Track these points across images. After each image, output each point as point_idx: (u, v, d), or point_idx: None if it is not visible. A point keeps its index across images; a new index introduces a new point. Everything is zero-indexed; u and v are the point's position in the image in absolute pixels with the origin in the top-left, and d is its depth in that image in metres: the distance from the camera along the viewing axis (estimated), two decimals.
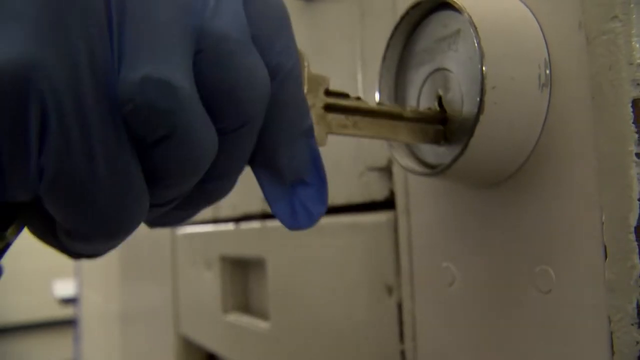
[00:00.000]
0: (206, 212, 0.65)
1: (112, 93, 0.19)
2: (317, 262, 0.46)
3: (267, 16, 0.23)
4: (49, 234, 0.22)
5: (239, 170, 0.24)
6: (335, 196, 0.44)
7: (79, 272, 1.93)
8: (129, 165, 0.20)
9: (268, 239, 0.53)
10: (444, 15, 0.30)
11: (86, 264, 1.75)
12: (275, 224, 0.51)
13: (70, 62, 0.18)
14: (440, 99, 0.30)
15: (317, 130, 0.27)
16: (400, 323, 0.38)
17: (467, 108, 0.28)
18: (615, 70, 0.25)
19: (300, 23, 0.50)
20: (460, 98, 0.29)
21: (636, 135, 0.24)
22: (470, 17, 0.27)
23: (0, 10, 0.18)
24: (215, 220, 0.64)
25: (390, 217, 0.39)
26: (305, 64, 0.27)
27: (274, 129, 0.24)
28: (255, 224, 0.56)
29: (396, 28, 0.32)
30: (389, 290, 0.39)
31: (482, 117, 0.27)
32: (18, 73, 0.17)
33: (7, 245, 0.21)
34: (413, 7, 0.31)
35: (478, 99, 0.27)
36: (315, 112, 0.27)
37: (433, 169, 0.30)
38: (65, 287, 2.77)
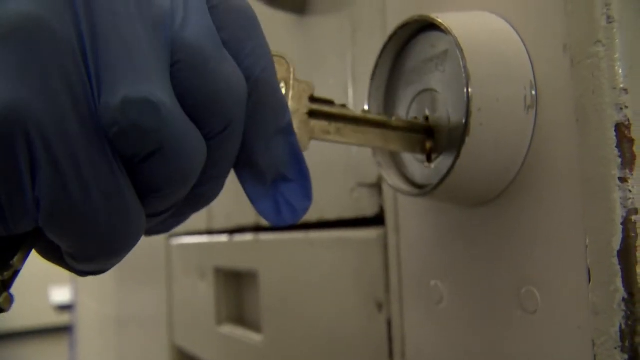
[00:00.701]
0: (200, 223, 0.65)
1: (97, 119, 0.19)
2: (309, 276, 0.46)
3: (235, 20, 0.24)
4: (56, 257, 0.22)
5: (226, 172, 0.25)
6: (327, 211, 0.44)
7: (75, 279, 1.93)
8: (122, 187, 0.20)
9: (260, 251, 0.53)
10: (432, 36, 0.30)
11: None
12: (268, 236, 0.52)
13: (51, 98, 0.18)
14: (427, 119, 0.30)
15: (300, 135, 0.27)
16: (390, 339, 0.38)
17: (453, 129, 0.29)
18: (598, 94, 0.25)
19: (292, 37, 0.50)
20: (447, 118, 0.29)
21: (619, 160, 0.24)
22: (457, 38, 0.28)
23: None
24: (209, 232, 0.65)
25: (380, 233, 0.39)
26: (291, 69, 0.27)
27: (250, 127, 0.24)
28: (248, 237, 0.56)
29: (385, 47, 0.32)
30: (379, 307, 0.39)
31: (467, 139, 0.27)
32: (2, 116, 0.18)
33: (16, 273, 0.21)
34: (401, 27, 0.31)
35: (464, 120, 0.27)
36: (298, 118, 0.27)
37: (421, 189, 0.30)
38: (61, 294, 2.76)
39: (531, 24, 0.28)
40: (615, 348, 0.24)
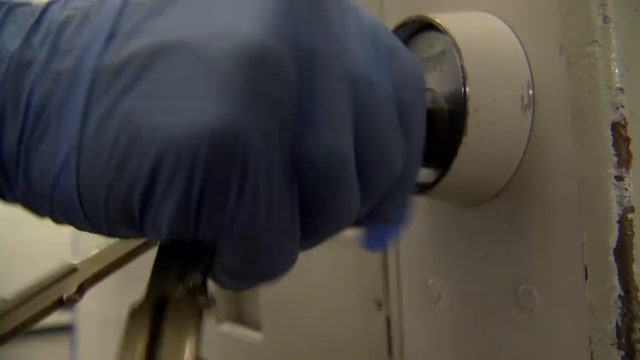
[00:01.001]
0: None
1: (292, 159, 0.21)
2: (308, 275, 0.46)
3: (408, 84, 0.24)
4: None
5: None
6: None
7: None
8: (296, 218, 0.22)
9: None
10: (430, 36, 0.31)
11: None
12: None
13: (267, 130, 0.20)
14: None
15: None
16: (389, 338, 0.38)
17: (451, 128, 0.29)
18: (595, 93, 0.25)
19: None
20: (445, 119, 0.29)
21: (615, 159, 0.24)
22: (454, 38, 0.28)
23: (208, 73, 0.19)
24: None
25: None
26: None
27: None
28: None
29: None
30: (378, 305, 0.39)
31: (464, 139, 0.27)
32: (227, 133, 0.19)
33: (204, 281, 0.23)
34: (399, 27, 0.31)
35: (462, 121, 0.27)
36: None
37: (419, 188, 0.30)
38: None
39: (528, 24, 0.28)
40: (612, 345, 0.24)
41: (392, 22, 0.32)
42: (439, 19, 0.29)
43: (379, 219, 0.26)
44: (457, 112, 0.28)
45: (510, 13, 0.29)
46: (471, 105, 0.27)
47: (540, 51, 0.28)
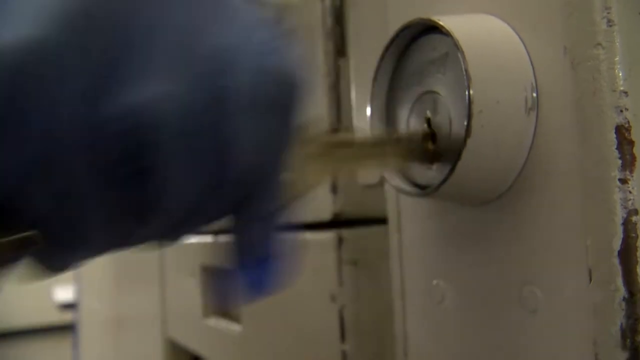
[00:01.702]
0: None
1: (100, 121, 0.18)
2: None
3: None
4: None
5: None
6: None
7: (79, 278, 1.94)
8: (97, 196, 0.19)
9: None
10: (433, 39, 0.31)
11: (86, 269, 1.75)
12: None
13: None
14: (429, 121, 0.31)
15: (300, 181, 0.27)
16: (342, 325, 0.41)
17: (455, 131, 0.29)
18: (599, 96, 0.25)
19: None
20: (449, 120, 0.29)
21: (619, 161, 0.24)
22: (458, 41, 0.28)
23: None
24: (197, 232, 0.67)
25: (333, 235, 0.43)
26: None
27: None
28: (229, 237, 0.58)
29: (386, 49, 0.32)
30: (333, 299, 0.43)
31: (469, 141, 0.27)
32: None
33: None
34: (403, 30, 0.31)
35: (465, 122, 0.27)
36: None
37: (423, 190, 0.31)
38: (64, 293, 2.77)
39: (532, 26, 0.29)
40: (616, 347, 0.24)
41: (395, 24, 0.32)
42: (443, 21, 0.29)
43: (247, 249, 0.25)
44: (461, 115, 0.29)
45: (513, 15, 0.29)
46: (475, 108, 0.27)
47: (544, 53, 0.28)
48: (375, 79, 0.33)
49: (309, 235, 0.46)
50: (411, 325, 0.36)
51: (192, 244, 0.69)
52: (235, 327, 0.58)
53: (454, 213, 0.33)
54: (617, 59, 0.25)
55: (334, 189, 0.43)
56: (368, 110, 0.34)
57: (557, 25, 0.27)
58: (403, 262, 0.37)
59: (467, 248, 0.32)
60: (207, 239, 0.64)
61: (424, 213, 0.35)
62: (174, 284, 0.77)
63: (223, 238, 0.61)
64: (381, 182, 0.40)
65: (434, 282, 0.34)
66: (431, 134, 0.30)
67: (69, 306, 2.60)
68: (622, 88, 0.25)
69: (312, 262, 0.45)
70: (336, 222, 0.44)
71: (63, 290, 2.88)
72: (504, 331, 0.30)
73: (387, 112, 0.33)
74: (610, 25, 0.25)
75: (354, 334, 0.41)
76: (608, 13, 0.25)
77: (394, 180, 0.32)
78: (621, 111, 0.25)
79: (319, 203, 0.45)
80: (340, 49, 0.46)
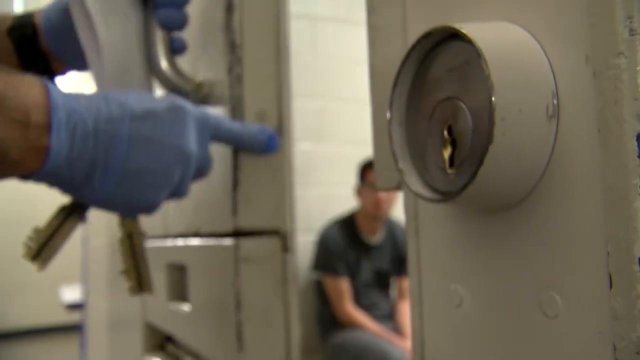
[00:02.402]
0: (159, 229, 0.90)
1: None
2: (207, 262, 0.73)
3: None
4: None
5: None
6: (204, 227, 0.73)
7: (86, 278, 1.94)
8: None
9: (189, 251, 0.77)
10: (455, 46, 0.31)
11: (93, 270, 1.76)
12: (194, 241, 0.75)
13: None
14: (450, 128, 0.31)
15: None
16: (238, 303, 0.61)
17: (476, 137, 0.29)
18: (620, 105, 0.25)
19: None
20: (469, 127, 0.30)
21: None
22: (480, 48, 0.28)
23: None
24: (165, 236, 0.87)
25: (233, 242, 0.62)
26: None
27: None
28: (179, 241, 0.80)
29: (408, 56, 0.33)
30: (232, 284, 0.62)
31: (491, 148, 0.27)
32: None
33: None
34: (424, 37, 0.32)
35: (487, 130, 0.28)
36: None
37: (443, 195, 0.31)
38: (72, 293, 2.78)
39: (553, 35, 0.29)
40: (637, 353, 0.25)
41: (415, 32, 0.33)
42: (465, 29, 0.29)
43: None
44: (482, 122, 0.29)
45: (535, 23, 0.30)
46: (497, 115, 0.27)
47: (566, 62, 0.28)
48: (395, 84, 0.34)
49: (217, 242, 0.66)
50: (428, 330, 0.37)
51: (158, 247, 0.88)
52: (186, 307, 0.77)
53: (473, 218, 0.33)
54: (639, 68, 0.25)
55: (235, 211, 0.62)
56: (388, 115, 0.34)
57: (579, 34, 0.27)
58: (421, 266, 0.37)
59: (486, 253, 0.32)
60: (169, 242, 0.84)
61: (443, 218, 0.36)
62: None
63: (181, 242, 0.80)
64: (398, 187, 0.40)
65: (452, 286, 0.35)
66: (451, 141, 0.31)
67: (75, 306, 2.61)
68: None
69: (219, 260, 0.66)
70: (235, 234, 0.62)
71: (70, 290, 2.89)
72: (523, 336, 0.30)
73: (407, 119, 0.34)
74: (633, 35, 0.25)
75: (246, 308, 0.61)
76: (630, 22, 0.25)
77: (414, 186, 0.32)
78: None
79: (224, 221, 0.64)
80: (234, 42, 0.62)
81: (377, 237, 2.41)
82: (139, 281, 0.56)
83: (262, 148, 0.59)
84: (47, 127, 0.42)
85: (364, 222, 2.39)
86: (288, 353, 0.62)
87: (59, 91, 0.44)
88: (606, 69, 0.26)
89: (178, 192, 0.54)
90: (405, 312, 2.36)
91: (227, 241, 0.64)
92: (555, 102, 0.29)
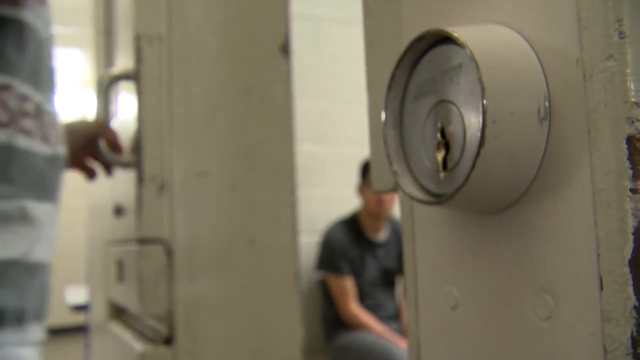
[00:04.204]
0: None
1: None
2: None
3: None
4: None
5: None
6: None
7: (91, 279, 1.95)
8: None
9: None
10: (447, 49, 0.31)
11: (97, 271, 1.77)
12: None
13: None
14: (442, 130, 0.31)
15: None
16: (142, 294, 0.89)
17: (469, 140, 0.29)
18: (610, 107, 0.26)
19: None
20: (462, 130, 0.30)
21: (631, 171, 0.25)
22: (472, 52, 0.28)
23: None
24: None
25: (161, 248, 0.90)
26: None
27: None
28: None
29: (401, 59, 0.33)
30: (138, 277, 0.94)
31: (483, 150, 0.28)
32: None
33: None
34: (418, 40, 0.32)
35: (479, 132, 0.28)
36: None
37: (436, 198, 0.31)
38: (77, 294, 2.79)
39: (545, 38, 0.29)
40: (627, 355, 0.25)
41: (410, 34, 0.33)
42: (457, 32, 0.29)
43: None
44: (474, 124, 0.29)
45: (527, 27, 0.30)
46: (489, 117, 0.27)
47: (557, 64, 0.28)
48: (389, 87, 0.34)
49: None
50: (424, 331, 0.37)
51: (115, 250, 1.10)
52: (124, 285, 1.04)
53: (467, 220, 0.33)
54: (628, 70, 0.25)
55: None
56: (382, 118, 0.34)
57: (570, 37, 0.28)
58: (417, 267, 0.37)
59: (480, 255, 0.33)
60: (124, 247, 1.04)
61: (438, 220, 0.36)
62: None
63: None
64: (394, 188, 0.41)
65: (447, 288, 0.35)
66: (445, 143, 0.31)
67: (81, 308, 2.62)
68: (633, 99, 0.25)
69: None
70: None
71: (75, 291, 2.90)
72: (517, 338, 0.30)
73: (401, 121, 0.34)
74: (622, 38, 0.25)
75: (150, 298, 0.84)
76: (620, 25, 0.25)
77: (408, 188, 0.33)
78: (632, 122, 0.25)
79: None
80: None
81: (381, 235, 2.42)
82: None
83: None
84: None
85: (367, 220, 2.39)
86: None
87: None
88: (597, 71, 0.26)
89: None
90: None
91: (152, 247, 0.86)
92: (546, 104, 0.29)
